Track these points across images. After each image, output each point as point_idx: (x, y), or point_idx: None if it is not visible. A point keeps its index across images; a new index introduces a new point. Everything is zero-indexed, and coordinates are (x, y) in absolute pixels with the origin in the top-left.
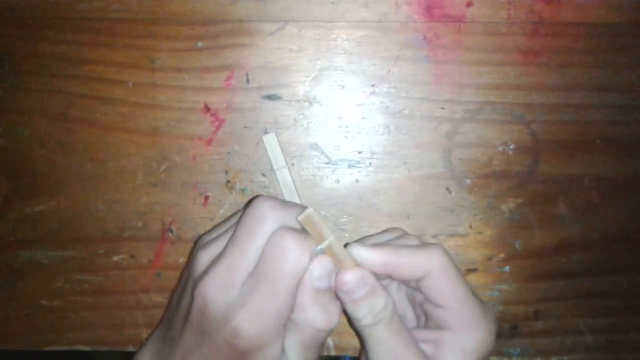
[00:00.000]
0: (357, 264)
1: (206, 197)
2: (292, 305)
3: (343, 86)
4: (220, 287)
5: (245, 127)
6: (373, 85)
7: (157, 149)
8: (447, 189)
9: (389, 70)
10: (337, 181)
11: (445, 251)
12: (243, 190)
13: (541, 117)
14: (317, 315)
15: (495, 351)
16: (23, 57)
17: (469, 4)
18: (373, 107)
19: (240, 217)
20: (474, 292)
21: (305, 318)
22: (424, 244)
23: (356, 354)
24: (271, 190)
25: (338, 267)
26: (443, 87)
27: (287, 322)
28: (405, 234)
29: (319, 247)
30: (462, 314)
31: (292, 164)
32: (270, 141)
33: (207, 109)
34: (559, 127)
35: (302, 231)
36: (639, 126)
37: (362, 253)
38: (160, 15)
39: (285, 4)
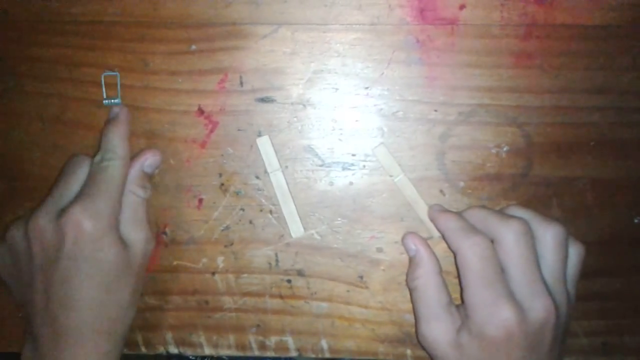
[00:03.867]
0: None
1: (200, 200)
2: (119, 203)
3: (337, 89)
4: (49, 212)
5: (239, 130)
6: (367, 88)
7: None
8: (441, 191)
9: (383, 73)
10: (331, 184)
11: (483, 246)
12: (237, 193)
13: (534, 120)
14: (140, 189)
15: None
16: (17, 60)
17: (461, 7)
18: (367, 110)
19: (62, 172)
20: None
21: (133, 189)
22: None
23: (350, 357)
24: (265, 192)
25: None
26: (436, 90)
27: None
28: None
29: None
30: (471, 299)
31: (286, 167)
32: (264, 144)
33: (201, 111)
34: (552, 129)
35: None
36: (633, 128)
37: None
38: (154, 18)
39: (279, 7)
